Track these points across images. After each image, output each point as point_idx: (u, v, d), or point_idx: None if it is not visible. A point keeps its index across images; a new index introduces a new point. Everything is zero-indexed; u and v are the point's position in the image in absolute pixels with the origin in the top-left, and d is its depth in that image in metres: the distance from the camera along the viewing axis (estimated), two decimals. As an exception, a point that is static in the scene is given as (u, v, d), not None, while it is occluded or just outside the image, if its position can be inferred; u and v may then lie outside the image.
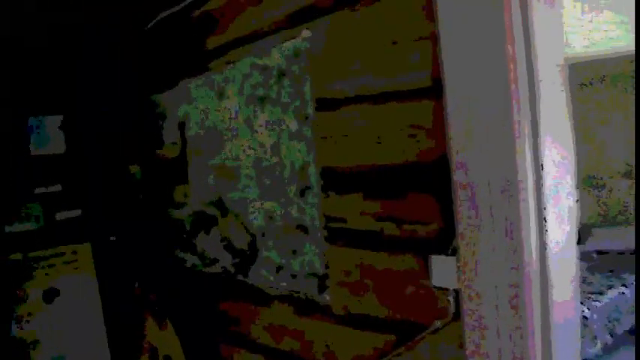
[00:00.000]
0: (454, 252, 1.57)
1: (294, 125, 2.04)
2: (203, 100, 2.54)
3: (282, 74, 2.07)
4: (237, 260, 2.48)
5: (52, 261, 3.64)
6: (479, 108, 1.42)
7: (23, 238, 3.57)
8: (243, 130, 2.30)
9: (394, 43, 1.69)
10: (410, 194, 1.71)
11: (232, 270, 2.51)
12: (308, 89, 1.96)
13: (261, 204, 2.26)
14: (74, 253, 3.69)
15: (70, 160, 3.71)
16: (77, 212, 3.77)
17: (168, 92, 2.83)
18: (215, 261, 2.64)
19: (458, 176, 1.49)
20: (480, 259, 1.47)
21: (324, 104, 1.93)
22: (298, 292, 2.14)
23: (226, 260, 2.55)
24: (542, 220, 1.40)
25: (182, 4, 2.62)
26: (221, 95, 2.42)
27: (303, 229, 2.06)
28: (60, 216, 3.74)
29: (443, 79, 1.51)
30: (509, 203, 1.39)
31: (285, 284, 2.20)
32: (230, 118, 2.38)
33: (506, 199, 1.39)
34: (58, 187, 3.71)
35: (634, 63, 4.38)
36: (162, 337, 3.05)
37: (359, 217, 1.87)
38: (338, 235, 1.96)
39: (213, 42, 2.47)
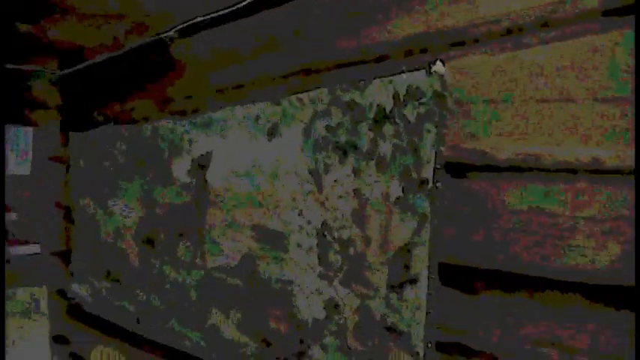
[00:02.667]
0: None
1: (396, 190, 1.47)
2: (239, 137, 1.95)
3: (383, 118, 1.51)
4: (266, 352, 1.86)
5: None
6: None
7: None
8: (305, 185, 1.71)
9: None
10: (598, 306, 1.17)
11: (257, 364, 1.89)
12: (429, 145, 1.41)
13: (321, 288, 1.67)
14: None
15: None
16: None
17: (182, 121, 2.23)
18: (230, 346, 2.01)
19: None
20: None
21: (456, 169, 1.38)
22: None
23: (248, 348, 1.93)
24: None
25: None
26: (272, 133, 1.83)
27: (393, 334, 1.48)
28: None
29: None
30: None
31: (345, 402, 1.61)
32: (281, 166, 1.79)
33: None
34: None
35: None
36: None
37: (496, 332, 1.31)
38: (456, 352, 1.39)
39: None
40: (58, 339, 3.29)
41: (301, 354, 1.75)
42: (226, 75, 2.08)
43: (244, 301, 1.95)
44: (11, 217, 3.03)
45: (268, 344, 1.86)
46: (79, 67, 3.10)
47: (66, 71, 3.24)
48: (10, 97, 3.08)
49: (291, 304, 1.78)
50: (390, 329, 1.51)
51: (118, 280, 2.73)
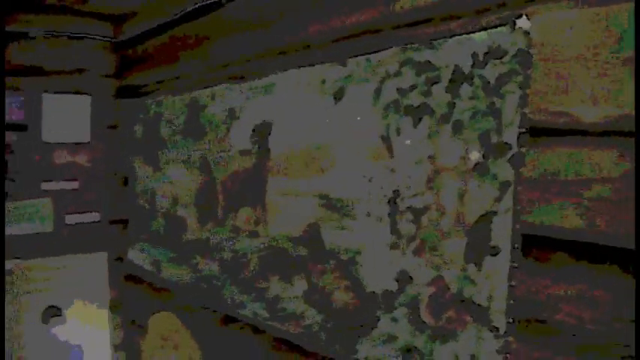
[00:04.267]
0: None
1: (474, 155, 1.40)
2: (303, 101, 1.89)
3: (461, 79, 1.43)
4: (331, 324, 1.83)
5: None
6: None
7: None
8: (375, 150, 1.65)
9: None
10: None
11: (323, 335, 1.86)
12: (511, 107, 1.32)
13: (393, 259, 1.61)
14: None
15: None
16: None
17: (241, 86, 2.19)
18: (293, 317, 1.98)
19: None
20: None
21: (540, 133, 1.30)
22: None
23: (313, 319, 1.90)
24: None
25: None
26: (338, 96, 1.77)
27: (471, 307, 1.42)
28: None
29: None
30: None
31: (417, 376, 1.56)
32: (349, 131, 1.74)
33: None
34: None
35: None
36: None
37: (579, 307, 1.24)
38: (536, 327, 1.32)
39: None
40: (116, 306, 3.35)
41: (370, 326, 1.71)
42: (288, 36, 2.02)
43: (309, 271, 1.92)
44: (72, 185, 3.07)
45: (335, 316, 1.83)
46: (133, 33, 3.09)
47: (120, 38, 3.23)
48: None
49: (360, 274, 1.73)
50: (467, 303, 1.45)
51: (176, 248, 2.74)
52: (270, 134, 2.08)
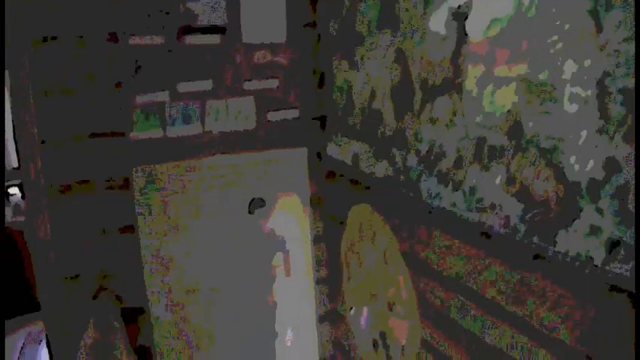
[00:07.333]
0: None
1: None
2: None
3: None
4: (532, 214, 1.81)
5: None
6: None
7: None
8: (581, 27, 1.56)
9: None
10: None
11: (522, 227, 1.85)
12: None
13: (599, 144, 1.55)
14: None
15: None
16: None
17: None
18: (492, 208, 1.99)
19: None
20: None
21: None
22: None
23: (511, 210, 1.89)
24: None
25: None
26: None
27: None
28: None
29: None
30: None
31: (622, 271, 1.52)
32: (552, 8, 1.65)
33: None
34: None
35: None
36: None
37: None
38: None
39: None
40: (316, 199, 3.56)
41: (572, 218, 1.67)
42: None
43: (508, 160, 1.90)
44: (272, 83, 3.26)
45: (534, 206, 1.81)
46: None
47: None
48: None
49: (563, 162, 1.69)
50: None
51: (373, 141, 2.82)
52: (466, 19, 2.03)
